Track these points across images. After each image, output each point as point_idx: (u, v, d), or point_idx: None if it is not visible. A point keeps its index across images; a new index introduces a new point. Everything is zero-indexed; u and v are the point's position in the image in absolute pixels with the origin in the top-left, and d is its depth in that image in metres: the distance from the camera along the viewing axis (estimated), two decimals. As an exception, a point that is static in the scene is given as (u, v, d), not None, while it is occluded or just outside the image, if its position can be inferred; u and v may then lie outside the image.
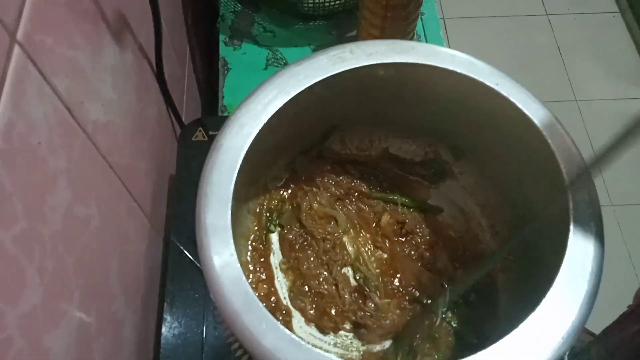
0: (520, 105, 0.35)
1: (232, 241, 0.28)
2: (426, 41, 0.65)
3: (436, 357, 0.38)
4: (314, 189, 0.44)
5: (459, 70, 0.36)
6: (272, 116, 0.33)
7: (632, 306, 0.47)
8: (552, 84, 1.34)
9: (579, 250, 0.30)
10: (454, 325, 0.40)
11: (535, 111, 0.35)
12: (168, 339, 0.43)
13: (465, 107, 0.38)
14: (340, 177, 0.46)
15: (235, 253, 0.28)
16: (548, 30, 1.44)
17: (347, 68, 0.35)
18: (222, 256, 0.28)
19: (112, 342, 0.36)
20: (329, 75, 0.35)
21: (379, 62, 0.36)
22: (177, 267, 0.46)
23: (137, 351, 0.41)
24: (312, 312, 0.40)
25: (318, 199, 0.44)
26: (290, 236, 0.43)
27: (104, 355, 0.34)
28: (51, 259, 0.27)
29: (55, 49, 0.29)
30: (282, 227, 0.43)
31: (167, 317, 0.44)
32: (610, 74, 1.35)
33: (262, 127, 0.33)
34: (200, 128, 0.52)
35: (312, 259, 0.42)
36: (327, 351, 0.36)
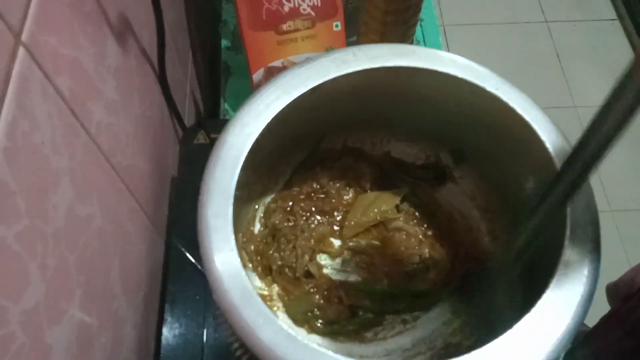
0: (520, 111, 0.35)
1: (232, 237, 0.29)
2: (425, 47, 0.66)
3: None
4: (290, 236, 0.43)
5: (459, 75, 0.36)
6: (274, 117, 0.34)
7: (612, 310, 0.47)
8: (551, 90, 1.35)
9: (575, 255, 0.30)
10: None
11: (534, 117, 0.35)
12: (169, 340, 0.43)
13: (466, 111, 0.39)
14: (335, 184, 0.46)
15: (235, 248, 0.28)
16: (547, 37, 1.45)
17: (349, 71, 0.35)
18: (222, 251, 0.28)
19: (113, 341, 0.36)
20: (331, 77, 0.35)
21: (381, 65, 0.36)
22: (178, 268, 0.46)
23: (138, 350, 0.42)
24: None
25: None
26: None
27: (104, 354, 0.34)
28: (53, 256, 0.28)
29: (59, 50, 0.30)
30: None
31: (168, 318, 0.44)
32: (609, 80, 1.35)
33: (264, 127, 0.33)
34: (202, 131, 0.52)
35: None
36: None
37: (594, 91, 1.34)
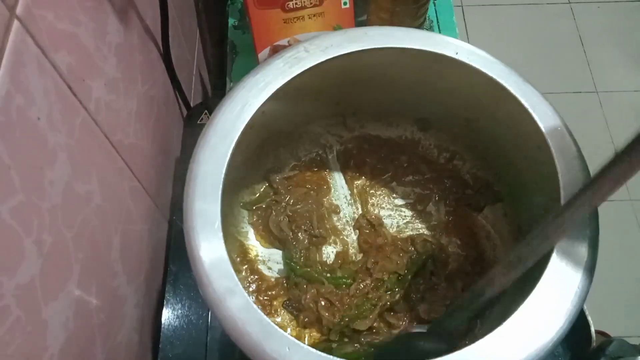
0: (523, 101, 0.34)
1: (220, 227, 0.28)
2: (438, 26, 0.64)
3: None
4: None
5: (411, 47, 0.35)
6: (245, 127, 0.34)
7: None
8: (573, 74, 1.30)
9: (569, 249, 0.29)
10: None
11: (537, 106, 0.34)
12: (170, 320, 0.43)
13: (458, 95, 0.38)
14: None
15: (222, 238, 0.28)
16: (570, 19, 1.40)
17: (304, 68, 0.35)
18: (210, 243, 0.28)
19: (112, 318, 0.36)
20: (288, 79, 0.34)
21: (335, 55, 0.35)
22: (180, 248, 0.46)
23: (140, 329, 0.42)
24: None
25: None
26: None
27: (103, 330, 0.35)
28: (50, 232, 0.28)
29: (56, 25, 0.29)
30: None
31: (170, 299, 0.44)
32: (632, 64, 1.31)
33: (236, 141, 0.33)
34: (206, 110, 0.52)
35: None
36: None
37: (617, 76, 1.29)
